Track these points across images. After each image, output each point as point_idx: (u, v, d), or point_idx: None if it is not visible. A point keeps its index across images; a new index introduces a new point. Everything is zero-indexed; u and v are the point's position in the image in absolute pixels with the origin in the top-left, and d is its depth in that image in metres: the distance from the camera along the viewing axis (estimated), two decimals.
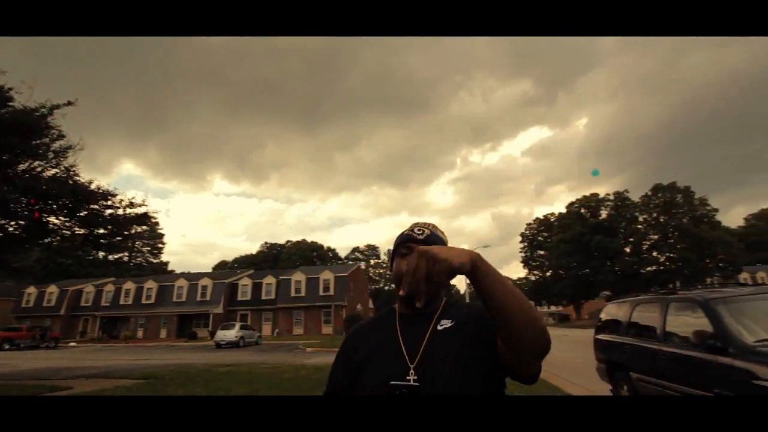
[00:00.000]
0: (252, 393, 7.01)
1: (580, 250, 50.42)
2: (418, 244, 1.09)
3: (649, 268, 49.71)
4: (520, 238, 64.82)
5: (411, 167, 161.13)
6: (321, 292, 35.39)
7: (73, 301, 40.41)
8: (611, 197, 54.17)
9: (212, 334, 29.31)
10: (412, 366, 1.00)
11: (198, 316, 36.60)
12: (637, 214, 52.43)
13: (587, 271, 51.04)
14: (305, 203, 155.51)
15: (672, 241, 49.08)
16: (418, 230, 1.17)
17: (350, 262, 69.11)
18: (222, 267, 75.20)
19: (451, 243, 1.21)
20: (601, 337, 6.16)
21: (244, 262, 74.20)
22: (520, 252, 63.42)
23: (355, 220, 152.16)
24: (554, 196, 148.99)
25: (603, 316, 6.40)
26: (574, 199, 57.81)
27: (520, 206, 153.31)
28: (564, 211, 57.48)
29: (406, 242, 1.15)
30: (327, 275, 36.27)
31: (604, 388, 6.08)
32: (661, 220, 50.62)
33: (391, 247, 1.22)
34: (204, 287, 37.68)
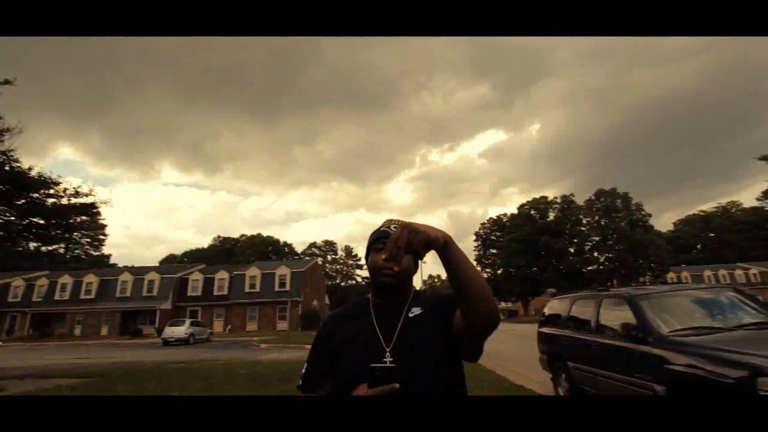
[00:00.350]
0: (208, 389, 6.93)
1: (529, 249, 53.13)
2: None
3: (590, 267, 53.26)
4: (474, 237, 67.16)
5: (370, 164, 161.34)
6: (277, 288, 34.84)
7: None
8: (559, 200, 57.39)
9: (159, 331, 28.03)
10: (388, 349, 1.12)
11: (143, 312, 34.78)
12: (581, 216, 55.88)
13: (535, 269, 53.88)
14: (261, 197, 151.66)
15: (611, 242, 52.84)
16: (394, 227, 1.25)
17: (307, 258, 68.35)
18: (170, 261, 71.78)
19: None
20: (543, 330, 6.69)
21: (194, 257, 71.25)
22: (474, 250, 65.63)
23: (313, 216, 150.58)
24: (507, 198, 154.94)
25: (546, 311, 6.95)
26: (525, 201, 60.80)
27: (475, 206, 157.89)
28: (515, 212, 60.25)
29: (382, 238, 1.22)
30: (283, 270, 35.75)
31: (545, 377, 6.63)
32: (602, 222, 54.32)
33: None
34: (151, 282, 35.85)
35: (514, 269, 55.15)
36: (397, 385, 1.01)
